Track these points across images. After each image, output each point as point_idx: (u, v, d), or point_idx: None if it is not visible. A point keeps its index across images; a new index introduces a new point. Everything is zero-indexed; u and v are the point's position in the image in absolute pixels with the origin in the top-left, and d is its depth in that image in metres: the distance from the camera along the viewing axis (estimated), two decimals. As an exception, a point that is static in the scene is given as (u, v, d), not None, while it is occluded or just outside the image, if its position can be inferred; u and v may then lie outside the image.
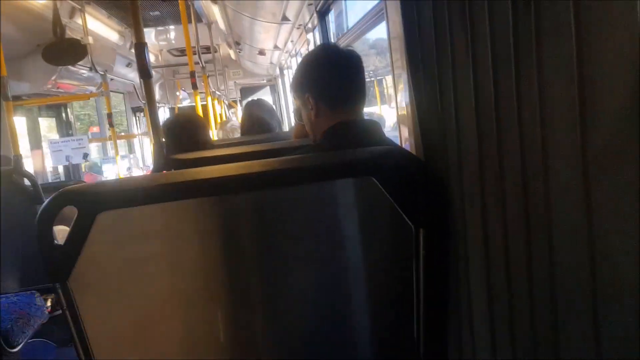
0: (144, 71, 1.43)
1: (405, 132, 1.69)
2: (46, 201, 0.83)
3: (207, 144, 1.92)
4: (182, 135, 1.88)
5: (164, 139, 1.55)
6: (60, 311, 2.83)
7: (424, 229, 0.96)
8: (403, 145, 1.66)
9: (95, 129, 8.33)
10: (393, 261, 1.00)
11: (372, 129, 1.28)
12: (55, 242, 0.85)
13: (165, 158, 1.44)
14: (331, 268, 1.00)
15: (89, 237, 0.84)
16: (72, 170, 4.74)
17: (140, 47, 1.43)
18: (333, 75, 1.26)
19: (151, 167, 6.84)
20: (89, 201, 0.84)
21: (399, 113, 1.68)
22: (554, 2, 0.61)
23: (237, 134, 2.82)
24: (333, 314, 1.02)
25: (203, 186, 0.90)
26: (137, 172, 6.50)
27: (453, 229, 0.95)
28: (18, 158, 2.27)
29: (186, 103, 9.44)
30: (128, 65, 6.21)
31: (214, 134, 3.47)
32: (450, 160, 0.95)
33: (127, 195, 0.87)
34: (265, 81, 9.93)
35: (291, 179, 0.94)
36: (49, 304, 2.59)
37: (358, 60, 1.30)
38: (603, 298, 0.58)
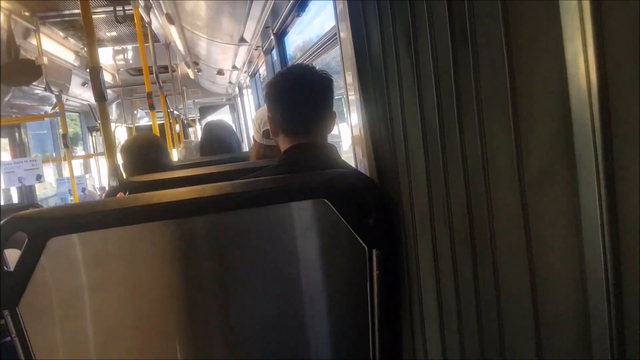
0: (99, 94, 1.42)
1: (359, 154, 1.73)
2: None
3: (167, 166, 1.89)
4: (140, 157, 1.85)
5: (121, 161, 1.53)
6: (6, 339, 2.71)
7: (377, 249, 0.99)
8: (358, 167, 1.70)
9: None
10: (347, 281, 1.02)
11: (328, 151, 1.30)
12: (5, 268, 0.83)
13: (121, 180, 1.43)
14: (287, 289, 1.01)
15: (40, 263, 0.83)
16: (24, 192, 4.57)
17: (95, 70, 1.42)
18: (294, 100, 1.26)
19: (106, 188, 6.67)
20: (39, 227, 0.83)
21: (353, 134, 1.72)
22: (489, 38, 0.65)
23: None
24: (290, 334, 1.03)
25: (156, 210, 0.90)
26: (92, 193, 6.31)
27: (405, 249, 0.98)
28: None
29: (144, 122, 9.29)
30: (84, 84, 6.08)
31: (172, 154, 3.43)
32: (402, 183, 0.98)
33: (78, 220, 0.86)
34: (224, 100, 9.89)
35: (245, 202, 0.95)
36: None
37: (326, 83, 1.29)
38: (545, 318, 0.61)
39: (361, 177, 1.08)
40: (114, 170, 1.39)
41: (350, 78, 1.47)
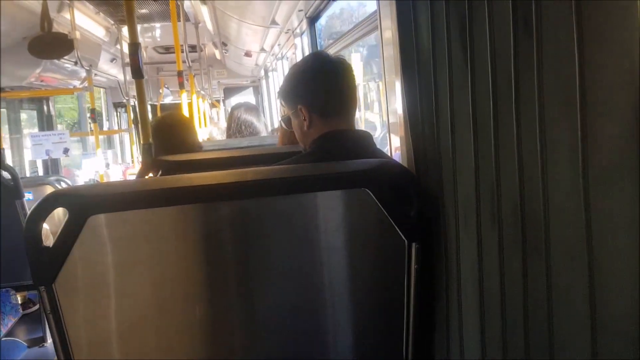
0: (137, 71, 1.41)
1: (395, 142, 1.70)
2: (37, 203, 0.80)
3: (195, 146, 1.89)
4: (170, 137, 1.85)
5: (151, 140, 1.53)
6: (31, 309, 2.77)
7: (417, 243, 0.96)
8: (393, 155, 1.66)
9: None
10: (384, 274, 1.00)
11: (364, 139, 1.28)
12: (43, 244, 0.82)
13: (153, 159, 1.42)
14: (322, 279, 0.99)
15: (78, 240, 0.83)
16: (50, 165, 4.65)
17: (134, 47, 1.40)
18: (325, 86, 1.26)
19: (129, 163, 6.73)
20: (80, 204, 0.82)
21: (390, 122, 1.69)
22: (556, 28, 0.61)
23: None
24: (321, 325, 1.02)
25: (195, 193, 0.89)
26: (116, 168, 6.40)
27: (446, 245, 0.95)
28: (0, 151, 2.22)
29: (168, 100, 9.35)
30: (112, 61, 6.13)
31: (199, 134, 3.44)
32: (444, 175, 0.95)
33: (118, 199, 0.85)
34: (248, 82, 9.89)
35: (285, 188, 0.93)
36: (20, 301, 2.53)
37: (349, 70, 1.30)
38: (603, 323, 0.58)
39: (402, 168, 1.05)
40: (148, 147, 1.39)
41: (391, 63, 1.44)
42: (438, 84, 0.95)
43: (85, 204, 0.83)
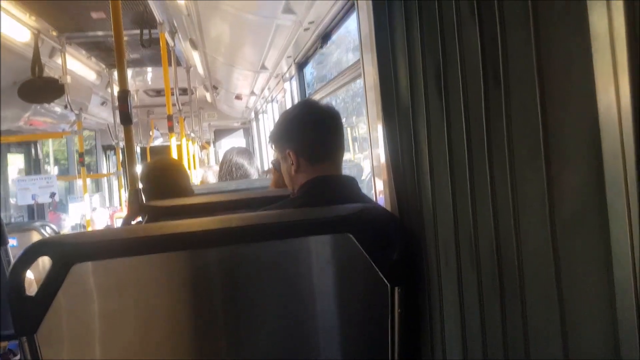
0: (126, 118, 1.44)
1: (379, 185, 1.73)
2: (21, 252, 0.81)
3: (187, 191, 1.90)
4: (162, 181, 1.86)
5: (141, 185, 1.54)
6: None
7: (400, 287, 0.97)
8: (377, 198, 1.69)
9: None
10: (368, 318, 1.00)
11: (349, 184, 1.31)
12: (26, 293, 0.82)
13: (141, 204, 1.43)
14: (308, 323, 0.99)
15: (61, 289, 0.83)
16: (36, 209, 4.61)
17: (123, 94, 1.44)
18: (313, 133, 1.30)
19: (117, 207, 6.66)
20: (64, 252, 0.83)
21: (374, 166, 1.72)
22: (521, 80, 0.65)
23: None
24: None
25: (180, 240, 0.90)
26: (103, 212, 6.35)
27: (429, 288, 0.96)
28: (-14, 197, 2.22)
29: (158, 142, 9.38)
30: (102, 104, 6.18)
31: (191, 176, 3.46)
32: (425, 218, 0.97)
33: (103, 247, 0.86)
34: (239, 124, 9.98)
35: (269, 234, 0.94)
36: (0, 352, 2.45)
37: (337, 118, 1.35)
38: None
39: (385, 212, 1.08)
40: (135, 193, 1.40)
41: (374, 109, 1.48)
42: (417, 129, 0.98)
43: (69, 252, 0.83)
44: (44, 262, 0.95)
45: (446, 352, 0.92)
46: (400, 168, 1.09)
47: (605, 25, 0.51)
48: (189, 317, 0.93)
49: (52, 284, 0.82)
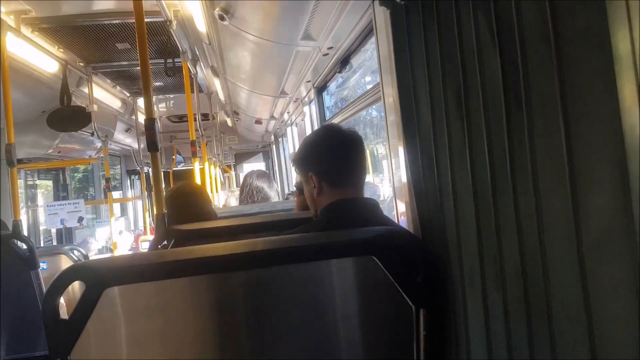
0: (153, 144, 1.48)
1: (401, 207, 1.73)
2: (55, 277, 0.84)
3: (211, 215, 1.94)
4: (185, 206, 1.91)
5: (165, 210, 1.57)
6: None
7: (424, 309, 0.97)
8: (399, 220, 1.69)
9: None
10: (393, 340, 1.00)
11: (371, 207, 1.32)
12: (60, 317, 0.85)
13: (167, 229, 1.46)
14: (333, 345, 0.99)
15: (94, 312, 0.85)
16: (64, 233, 4.72)
17: (150, 122, 1.48)
18: (336, 157, 1.31)
19: (141, 230, 6.74)
20: (97, 277, 0.85)
21: (395, 188, 1.73)
22: (544, 104, 0.66)
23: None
24: None
25: (208, 263, 0.92)
26: (128, 235, 6.45)
27: (454, 309, 0.95)
28: (17, 223, 2.28)
29: (180, 167, 9.52)
30: (127, 130, 6.33)
31: (213, 199, 3.51)
32: (449, 240, 0.97)
33: (133, 271, 0.88)
34: (259, 147, 10.09)
35: (294, 257, 0.96)
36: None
37: (359, 142, 1.36)
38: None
39: (407, 234, 1.08)
40: (161, 217, 1.43)
41: (394, 131, 1.50)
42: (438, 151, 0.99)
43: (102, 276, 0.86)
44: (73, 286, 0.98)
45: None
46: (423, 190, 1.10)
47: (628, 46, 0.52)
48: (216, 339, 0.94)
49: (85, 307, 0.85)
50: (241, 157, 10.41)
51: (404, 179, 1.29)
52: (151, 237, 5.04)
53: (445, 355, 0.99)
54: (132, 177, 9.15)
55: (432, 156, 1.01)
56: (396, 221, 1.64)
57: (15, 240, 2.27)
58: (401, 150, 1.26)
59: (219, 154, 7.55)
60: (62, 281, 0.84)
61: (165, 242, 1.48)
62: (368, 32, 2.00)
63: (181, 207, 1.90)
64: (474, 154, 0.85)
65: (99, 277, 0.85)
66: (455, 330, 0.96)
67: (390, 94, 1.44)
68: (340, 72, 2.58)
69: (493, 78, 0.76)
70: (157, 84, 4.84)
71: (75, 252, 2.71)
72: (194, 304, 0.92)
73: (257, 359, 0.97)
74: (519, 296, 0.75)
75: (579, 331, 0.61)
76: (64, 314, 0.87)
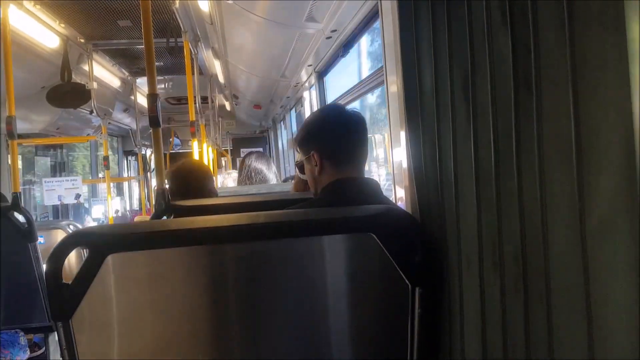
0: (154, 120, 1.48)
1: (399, 192, 1.74)
2: (59, 241, 0.84)
3: (212, 193, 1.95)
4: (188, 183, 1.92)
5: (167, 185, 1.58)
6: (37, 353, 2.74)
7: (421, 288, 0.99)
8: (397, 203, 1.70)
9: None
10: (388, 318, 1.01)
11: (372, 187, 1.33)
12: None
13: (167, 204, 1.47)
14: (328, 320, 1.01)
15: (96, 278, 0.86)
16: (61, 210, 4.72)
17: (152, 97, 1.48)
18: (339, 136, 1.32)
19: (138, 210, 6.76)
20: (100, 242, 0.86)
21: (395, 171, 1.74)
22: (555, 86, 0.66)
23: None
24: None
25: (210, 234, 0.92)
26: (124, 215, 6.47)
27: (450, 290, 0.97)
28: (17, 195, 2.28)
29: (177, 149, 9.51)
30: (125, 110, 6.31)
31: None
32: (448, 222, 0.98)
33: (136, 238, 0.89)
34: (257, 132, 10.08)
35: (295, 231, 0.97)
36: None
37: (362, 122, 1.37)
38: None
39: (407, 215, 1.09)
40: (162, 193, 1.43)
41: (396, 116, 1.50)
42: (441, 134, 1.00)
43: (105, 242, 0.86)
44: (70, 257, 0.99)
45: (465, 354, 0.92)
46: (423, 174, 1.10)
47: None
48: (214, 309, 0.95)
49: (87, 272, 0.85)
50: (239, 142, 10.40)
51: (405, 164, 1.29)
52: (147, 217, 5.05)
53: (439, 333, 1.01)
54: (129, 157, 9.14)
55: (435, 141, 1.02)
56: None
57: (14, 213, 2.28)
58: (403, 135, 1.26)
59: (216, 138, 7.54)
60: (66, 246, 0.84)
61: (165, 218, 1.49)
62: (373, 15, 1.99)
63: (183, 183, 1.91)
64: (478, 140, 0.85)
65: (103, 243, 0.86)
66: (450, 310, 0.97)
67: (394, 78, 1.44)
68: (342, 56, 2.58)
69: (503, 60, 0.76)
70: (157, 64, 4.81)
71: (72, 227, 2.72)
72: (195, 275, 0.93)
73: (253, 330, 0.98)
74: (516, 279, 0.76)
75: (577, 316, 0.62)
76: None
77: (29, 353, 2.29)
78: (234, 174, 3.59)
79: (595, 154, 0.60)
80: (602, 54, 0.58)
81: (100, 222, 6.02)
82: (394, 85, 1.48)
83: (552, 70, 0.66)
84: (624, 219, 0.57)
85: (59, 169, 5.99)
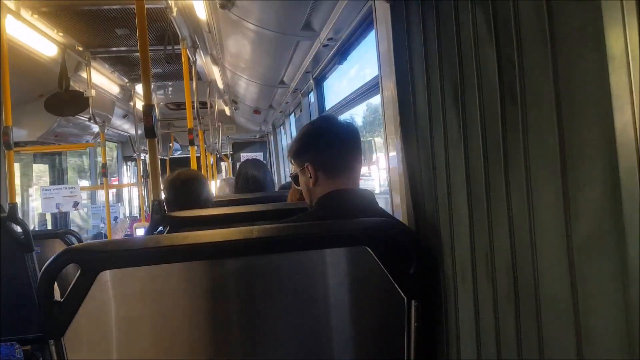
0: (150, 131, 1.48)
1: (396, 200, 1.74)
2: (50, 259, 0.84)
3: (208, 202, 1.95)
4: (184, 192, 1.91)
5: (163, 195, 1.58)
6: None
7: (416, 301, 0.98)
8: (394, 213, 1.70)
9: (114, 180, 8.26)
10: (385, 331, 1.01)
11: (367, 198, 1.32)
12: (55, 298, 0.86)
13: (163, 215, 1.47)
14: (324, 334, 1.01)
15: (88, 295, 0.86)
16: (59, 218, 4.72)
17: (148, 108, 1.48)
18: (332, 147, 1.32)
19: (137, 217, 6.74)
20: (92, 260, 0.86)
21: (391, 180, 1.73)
22: (539, 100, 0.67)
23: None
24: None
25: (203, 250, 0.92)
26: (123, 221, 6.46)
27: (445, 302, 0.97)
28: (14, 206, 2.28)
29: (177, 154, 9.51)
30: (124, 116, 6.31)
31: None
32: (442, 233, 0.98)
33: (128, 255, 0.89)
34: (257, 137, 10.08)
35: (289, 246, 0.97)
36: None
37: (356, 133, 1.37)
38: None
39: (402, 226, 1.09)
40: (158, 204, 1.43)
41: (392, 125, 1.50)
42: (435, 146, 1.00)
43: (97, 260, 0.86)
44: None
45: None
46: (418, 184, 1.10)
47: (622, 46, 0.53)
48: (208, 325, 0.95)
49: (79, 289, 0.85)
50: (239, 146, 10.40)
51: (400, 172, 1.29)
52: (146, 224, 5.05)
53: (436, 346, 1.00)
54: (128, 163, 9.14)
55: (429, 150, 1.02)
56: (391, 214, 1.64)
57: (10, 223, 2.28)
58: (398, 144, 1.26)
59: (216, 143, 7.54)
60: (57, 263, 0.84)
61: (161, 228, 1.49)
62: (368, 25, 2.00)
63: (179, 193, 1.90)
64: (469, 149, 0.86)
65: (94, 260, 0.86)
66: (446, 323, 0.97)
67: (389, 87, 1.44)
68: (340, 63, 2.58)
69: (489, 74, 0.76)
70: (156, 70, 4.82)
71: (71, 236, 2.72)
72: (188, 290, 0.93)
73: (247, 346, 0.98)
74: (508, 291, 0.76)
75: (566, 326, 0.63)
76: (57, 297, 0.88)
77: (24, 366, 2.29)
78: (231, 180, 3.59)
79: (579, 168, 0.61)
80: (584, 70, 0.59)
81: (99, 227, 6.00)
82: (389, 94, 1.48)
83: (537, 85, 0.67)
84: (609, 232, 0.57)
85: (58, 176, 5.99)
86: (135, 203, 8.81)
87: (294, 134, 5.65)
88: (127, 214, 8.48)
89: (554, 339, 0.67)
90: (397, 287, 0.97)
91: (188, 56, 3.29)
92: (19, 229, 2.35)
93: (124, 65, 4.63)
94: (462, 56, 0.84)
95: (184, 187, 1.93)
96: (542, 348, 0.68)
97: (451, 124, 0.92)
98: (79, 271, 0.85)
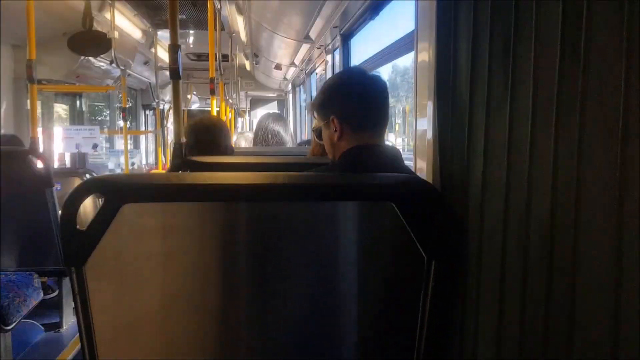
0: (175, 72, 1.45)
1: (420, 163, 1.70)
2: (75, 187, 0.83)
3: (228, 150, 1.94)
4: (206, 138, 1.90)
5: (184, 140, 1.56)
6: (50, 295, 2.82)
7: (437, 261, 0.96)
8: (417, 173, 1.67)
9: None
10: (401, 288, 1.00)
11: (393, 155, 1.29)
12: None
13: (184, 158, 1.46)
14: (338, 286, 1.00)
15: (110, 227, 0.85)
16: (78, 159, 4.76)
17: (174, 48, 1.45)
18: (360, 100, 1.28)
19: (153, 165, 6.81)
20: (116, 191, 0.85)
21: (418, 142, 1.69)
22: (603, 54, 0.62)
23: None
24: (332, 333, 1.02)
25: (227, 191, 0.91)
26: (140, 168, 6.52)
27: (467, 265, 0.94)
28: (35, 140, 2.29)
29: (195, 107, 9.49)
30: (145, 63, 6.27)
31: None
32: (472, 198, 0.95)
33: (153, 189, 0.88)
34: (275, 95, 10.01)
35: (315, 195, 0.94)
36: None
37: (384, 87, 1.32)
38: (626, 355, 0.58)
39: (429, 186, 1.06)
40: (179, 147, 1.42)
41: (424, 84, 1.45)
42: (474, 105, 0.95)
43: (121, 192, 0.85)
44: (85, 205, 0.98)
45: (478, 331, 0.91)
46: (449, 145, 1.07)
47: None
48: (225, 265, 0.95)
49: (102, 220, 0.85)
50: (256, 103, 10.36)
51: (429, 135, 1.25)
52: (163, 172, 5.07)
53: (451, 307, 0.99)
54: (147, 111, 9.15)
55: (466, 111, 0.98)
56: (415, 175, 1.61)
57: (32, 157, 2.29)
58: (430, 105, 1.22)
59: (235, 98, 7.49)
60: (82, 192, 0.83)
61: (180, 172, 1.48)
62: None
63: (200, 139, 1.90)
64: (514, 112, 0.81)
65: (119, 192, 0.85)
66: (465, 285, 0.95)
67: (425, 47, 1.38)
68: (372, 18, 2.49)
69: (550, 26, 0.71)
70: (180, 16, 4.74)
71: (89, 176, 2.74)
72: (210, 230, 0.92)
73: (262, 287, 0.97)
74: (541, 255, 0.73)
75: (603, 300, 0.60)
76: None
77: (42, 295, 2.35)
78: (248, 134, 3.56)
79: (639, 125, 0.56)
80: None
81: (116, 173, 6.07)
82: (425, 52, 1.42)
83: (604, 40, 0.62)
84: None
85: (77, 118, 6.01)
86: (152, 149, 8.85)
87: (314, 94, 5.58)
88: (144, 161, 8.54)
89: (589, 310, 0.64)
90: (419, 245, 0.95)
91: (214, 3, 3.22)
92: (40, 165, 2.37)
93: (148, 9, 4.56)
94: (518, 7, 0.79)
95: (207, 132, 1.92)
96: (574, 318, 0.66)
97: (497, 82, 0.87)
98: (103, 201, 0.84)
